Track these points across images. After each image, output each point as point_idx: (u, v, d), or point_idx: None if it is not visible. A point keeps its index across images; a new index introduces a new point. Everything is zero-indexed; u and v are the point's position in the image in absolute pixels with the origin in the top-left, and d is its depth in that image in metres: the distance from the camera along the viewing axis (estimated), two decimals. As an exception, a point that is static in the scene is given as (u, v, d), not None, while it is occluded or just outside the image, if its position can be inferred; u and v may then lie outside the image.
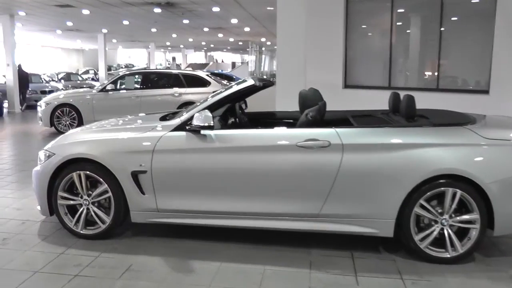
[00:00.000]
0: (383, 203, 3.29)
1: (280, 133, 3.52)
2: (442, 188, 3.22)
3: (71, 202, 3.69)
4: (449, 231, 3.26)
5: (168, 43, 33.16)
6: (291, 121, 4.49)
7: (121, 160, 3.53)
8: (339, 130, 3.38)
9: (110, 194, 3.57)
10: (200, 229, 3.74)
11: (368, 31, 10.36)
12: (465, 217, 3.24)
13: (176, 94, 9.54)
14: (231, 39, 27.48)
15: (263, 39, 26.91)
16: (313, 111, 3.59)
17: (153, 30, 20.94)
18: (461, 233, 3.29)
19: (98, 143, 3.65)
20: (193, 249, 3.51)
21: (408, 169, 3.23)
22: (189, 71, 11.84)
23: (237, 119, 4.32)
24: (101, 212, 3.64)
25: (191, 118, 3.49)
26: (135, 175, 3.50)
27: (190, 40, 28.76)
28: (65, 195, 3.68)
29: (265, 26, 18.88)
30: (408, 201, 3.24)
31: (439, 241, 3.30)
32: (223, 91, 3.77)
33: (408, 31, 9.89)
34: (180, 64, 41.41)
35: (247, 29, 20.39)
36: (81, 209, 3.67)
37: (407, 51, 10.02)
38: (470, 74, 9.06)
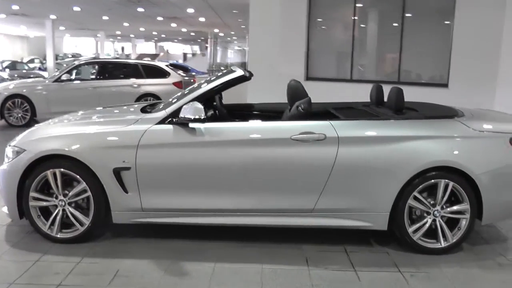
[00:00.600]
0: (377, 196, 3.26)
1: (274, 126, 3.40)
2: (435, 180, 3.24)
3: (45, 203, 3.37)
4: (441, 222, 3.30)
5: (118, 32, 31.90)
6: (271, 113, 4.37)
7: (101, 156, 3.26)
8: (333, 122, 3.31)
9: (89, 193, 3.29)
10: (185, 228, 3.54)
11: (330, 24, 10.43)
12: (456, 207, 3.29)
13: (135, 85, 9.11)
14: (184, 29, 26.89)
15: (216, 30, 26.56)
16: (305, 103, 3.49)
17: (105, 18, 20.01)
18: (451, 224, 3.34)
19: (75, 137, 3.34)
20: (181, 249, 3.32)
21: (403, 161, 3.22)
22: (148, 61, 11.38)
23: (217, 111, 4.14)
24: (79, 213, 3.35)
25: (179, 110, 3.28)
26: (117, 172, 3.25)
27: (142, 29, 27.85)
28: (38, 195, 3.35)
29: (221, 17, 18.59)
30: (402, 193, 3.24)
31: (431, 232, 3.33)
32: (211, 81, 3.57)
33: (370, 25, 10.06)
34: (130, 54, 39.89)
35: (202, 19, 20.01)
36: (56, 210, 3.36)
37: (368, 44, 10.20)
38: (430, 68, 9.38)
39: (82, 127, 3.48)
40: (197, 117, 3.14)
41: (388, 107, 3.84)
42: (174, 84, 9.40)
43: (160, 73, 9.42)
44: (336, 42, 10.42)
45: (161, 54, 37.04)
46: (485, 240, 3.64)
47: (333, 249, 3.40)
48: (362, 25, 9.92)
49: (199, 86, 3.65)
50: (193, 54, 41.12)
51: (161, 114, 3.36)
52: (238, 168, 3.25)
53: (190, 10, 16.92)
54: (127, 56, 36.24)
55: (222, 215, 3.32)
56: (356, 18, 9.60)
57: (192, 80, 10.86)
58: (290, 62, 9.61)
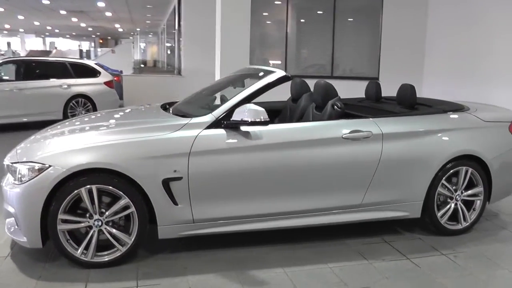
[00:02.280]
0: (414, 187, 3.50)
1: (323, 125, 3.40)
2: (458, 167, 3.60)
3: (76, 225, 2.91)
4: (461, 205, 3.69)
5: (7, 26, 27.80)
6: (274, 112, 4.35)
7: (148, 167, 2.92)
8: (376, 120, 3.45)
9: (132, 209, 2.92)
10: (223, 237, 3.35)
11: (265, 20, 10.57)
12: (472, 191, 3.70)
13: (65, 86, 8.16)
14: (83, 24, 24.65)
15: (117, 25, 24.90)
16: (339, 101, 3.57)
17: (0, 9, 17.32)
18: (467, 206, 3.74)
19: (113, 148, 2.92)
20: (238, 259, 3.15)
21: (435, 153, 3.50)
22: (76, 59, 10.25)
23: None
24: (120, 232, 2.97)
25: (228, 113, 3.10)
26: (166, 184, 2.95)
27: (37, 23, 24.73)
28: (68, 217, 2.87)
29: (131, 12, 17.54)
30: (433, 182, 3.54)
31: (452, 216, 3.69)
32: (254, 83, 3.38)
33: (303, 22, 10.44)
34: (16, 51, 34.70)
35: (108, 14, 18.59)
36: (91, 232, 2.92)
37: (303, 41, 10.59)
38: (361, 63, 10.15)
39: (116, 135, 3.04)
40: (262, 119, 2.99)
41: (400, 103, 4.11)
42: (106, 83, 8.67)
43: (90, 72, 8.58)
44: (271, 39, 10.63)
45: (54, 50, 32.83)
46: (484, 217, 4.13)
47: (374, 241, 3.56)
48: (295, 22, 10.23)
49: (238, 88, 3.47)
50: (80, 51, 37.28)
51: (209, 118, 3.13)
52: (290, 169, 3.20)
53: (101, 4, 15.57)
54: (14, 53, 31.56)
55: (274, 219, 3.23)
56: (289, 15, 9.88)
57: (115, 79, 10.08)
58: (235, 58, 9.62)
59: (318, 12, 10.04)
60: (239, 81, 4.00)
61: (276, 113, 4.48)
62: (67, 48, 38.82)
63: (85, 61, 9.74)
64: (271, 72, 3.41)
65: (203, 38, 9.78)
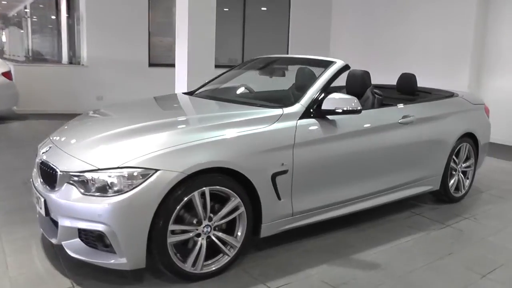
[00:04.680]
0: (438, 163, 4.00)
1: (387, 112, 3.59)
2: (462, 144, 4.23)
3: (186, 235, 2.53)
4: (461, 175, 4.34)
5: None
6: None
7: (260, 162, 2.71)
8: (408, 106, 3.79)
9: (242, 209, 2.69)
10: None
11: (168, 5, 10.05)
12: (468, 163, 4.39)
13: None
14: None
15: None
16: (376, 89, 3.82)
17: None
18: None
19: (226, 144, 2.62)
20: (327, 246, 3.17)
21: (450, 132, 4.04)
22: None
23: None
24: (228, 236, 2.69)
25: (314, 102, 3.06)
26: (273, 178, 2.78)
27: None
28: (177, 227, 2.49)
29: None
30: (449, 158, 4.09)
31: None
32: (322, 73, 3.32)
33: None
34: None
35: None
36: (199, 240, 2.58)
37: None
38: (270, 52, 10.50)
39: (213, 132, 2.67)
40: (359, 108, 3.02)
41: (400, 90, 4.55)
42: (3, 74, 7.23)
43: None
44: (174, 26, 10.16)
45: None
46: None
47: (404, 216, 3.91)
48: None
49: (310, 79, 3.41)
50: None
51: (298, 108, 3.02)
52: (372, 154, 3.38)
53: None
54: None
55: (356, 202, 3.36)
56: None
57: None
58: (133, 48, 9.04)
59: (229, 3, 10.06)
60: (277, 71, 3.91)
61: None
62: None
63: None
64: (331, 62, 3.44)
65: (109, 25, 8.90)
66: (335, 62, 3.41)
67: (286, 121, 2.92)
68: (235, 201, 2.64)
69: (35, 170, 2.99)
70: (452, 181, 4.22)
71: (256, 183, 2.69)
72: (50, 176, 2.63)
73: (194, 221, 2.55)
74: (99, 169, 2.40)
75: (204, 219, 2.57)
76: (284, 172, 2.82)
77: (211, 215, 2.60)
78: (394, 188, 3.64)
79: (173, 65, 9.93)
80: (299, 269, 2.82)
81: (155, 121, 2.89)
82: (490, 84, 7.67)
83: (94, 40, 8.99)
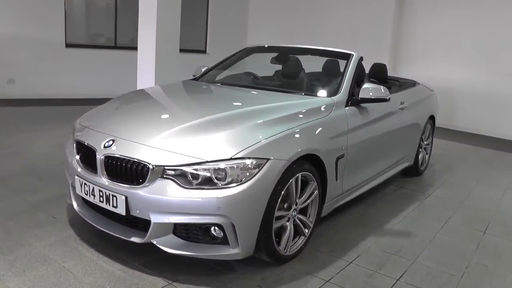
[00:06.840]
0: (414, 142, 4.68)
1: (393, 99, 4.00)
2: (427, 125, 4.99)
3: (282, 221, 2.67)
4: (424, 151, 5.12)
5: None
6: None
7: (330, 147, 2.95)
8: (399, 93, 4.34)
9: (317, 191, 2.91)
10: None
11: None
12: (428, 141, 5.19)
13: None
14: None
15: None
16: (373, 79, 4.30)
17: None
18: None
19: (309, 132, 2.82)
20: (355, 221, 3.56)
21: (422, 115, 4.75)
22: None
23: None
24: (305, 217, 2.89)
25: (352, 91, 3.40)
26: (336, 162, 3.06)
27: None
28: (279, 213, 2.61)
29: None
30: (421, 137, 4.82)
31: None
32: (347, 65, 3.62)
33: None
34: None
35: None
36: (289, 224, 2.74)
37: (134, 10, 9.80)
38: (191, 37, 10.39)
39: (294, 122, 2.80)
40: (389, 97, 3.40)
41: (373, 79, 5.09)
42: None
43: None
44: (95, 3, 9.31)
45: None
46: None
47: (392, 189, 4.52)
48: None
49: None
50: None
51: (341, 97, 3.31)
52: (388, 135, 3.90)
53: None
54: None
55: (375, 178, 3.88)
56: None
57: None
58: (46, 27, 8.21)
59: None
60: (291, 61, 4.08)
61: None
62: None
63: None
64: (349, 54, 3.78)
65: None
66: (353, 55, 3.78)
67: (339, 109, 3.21)
68: (313, 184, 2.85)
69: (79, 170, 2.75)
70: (420, 156, 4.96)
71: (327, 167, 2.93)
72: (129, 172, 2.49)
73: (285, 206, 2.70)
74: (207, 162, 2.38)
75: (294, 204, 2.73)
76: (343, 156, 3.11)
77: (297, 199, 2.77)
78: (395, 163, 4.23)
79: (94, 46, 9.28)
80: (356, 243, 3.15)
81: (226, 113, 2.88)
82: (404, 73, 8.91)
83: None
